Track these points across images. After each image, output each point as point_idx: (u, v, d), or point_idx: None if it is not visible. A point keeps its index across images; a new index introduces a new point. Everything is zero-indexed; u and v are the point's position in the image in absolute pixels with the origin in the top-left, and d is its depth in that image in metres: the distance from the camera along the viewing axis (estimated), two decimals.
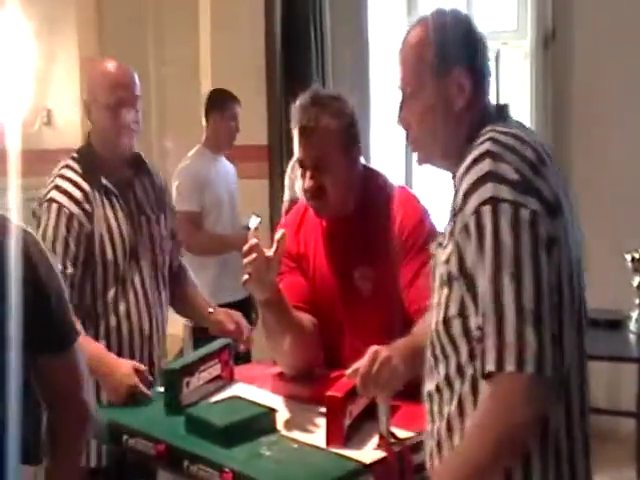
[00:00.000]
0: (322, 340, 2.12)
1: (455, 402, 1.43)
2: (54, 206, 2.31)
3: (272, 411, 1.88)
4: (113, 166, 2.40)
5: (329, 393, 1.75)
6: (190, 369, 2.06)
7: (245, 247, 1.87)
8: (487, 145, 1.41)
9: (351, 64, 4.59)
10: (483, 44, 1.55)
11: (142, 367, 2.16)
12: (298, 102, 2.09)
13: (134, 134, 2.39)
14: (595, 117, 4.09)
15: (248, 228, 4.12)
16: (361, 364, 1.72)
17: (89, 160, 2.39)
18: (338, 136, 2.06)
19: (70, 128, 5.13)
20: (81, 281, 2.30)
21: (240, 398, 1.99)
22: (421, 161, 1.62)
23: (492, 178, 1.36)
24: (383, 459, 1.68)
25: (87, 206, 2.33)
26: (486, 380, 1.33)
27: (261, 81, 4.58)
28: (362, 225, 2.12)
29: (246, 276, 1.87)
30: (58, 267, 1.77)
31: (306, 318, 2.10)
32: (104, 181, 2.37)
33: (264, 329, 2.04)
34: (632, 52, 3.98)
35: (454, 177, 1.49)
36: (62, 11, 5.11)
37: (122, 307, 2.35)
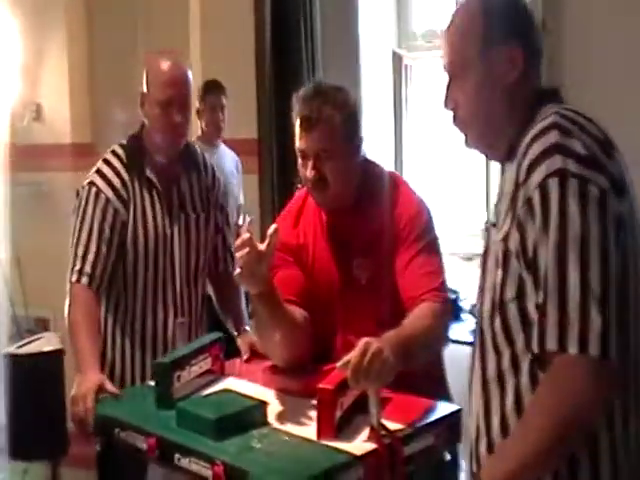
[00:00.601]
0: (315, 333, 2.13)
1: (511, 397, 1.37)
2: (93, 190, 2.37)
3: (263, 404, 1.88)
4: (159, 158, 2.43)
5: (320, 385, 1.75)
6: (181, 363, 2.05)
7: (238, 241, 1.87)
8: (554, 118, 1.35)
9: (341, 60, 4.58)
10: (533, 19, 1.51)
11: (107, 385, 2.13)
12: (301, 93, 2.10)
13: (182, 133, 2.41)
14: (587, 108, 4.07)
15: (239, 226, 4.14)
16: (352, 356, 1.73)
17: (135, 150, 2.43)
18: (341, 127, 2.07)
19: (59, 123, 5.13)
20: (115, 265, 2.36)
21: (231, 391, 1.99)
22: (470, 143, 1.56)
23: (560, 150, 1.30)
24: (374, 451, 1.69)
25: (124, 194, 2.38)
26: (546, 359, 1.27)
27: (251, 75, 4.57)
28: (361, 215, 2.13)
29: (238, 270, 1.88)
30: None
31: (298, 312, 2.11)
32: (148, 173, 2.40)
33: (256, 322, 2.05)
34: (623, 43, 3.98)
35: (503, 164, 1.45)
36: (52, 6, 5.09)
37: (149, 300, 2.40)
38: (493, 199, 4.95)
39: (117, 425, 1.94)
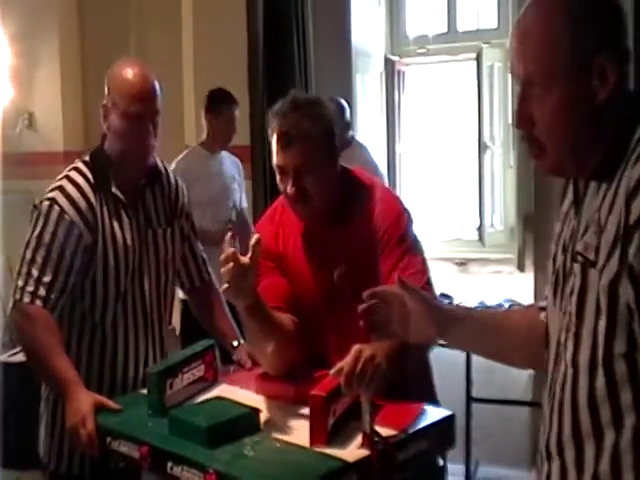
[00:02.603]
0: (305, 339, 2.12)
1: (607, 456, 1.22)
2: (55, 209, 2.22)
3: (256, 411, 1.88)
4: (124, 174, 2.32)
5: (313, 392, 1.74)
6: (173, 370, 2.05)
7: (222, 257, 1.87)
8: None
9: (334, 66, 4.59)
10: (624, 18, 1.27)
11: (107, 402, 2.06)
12: (276, 108, 2.08)
13: (152, 148, 2.30)
14: None
15: (231, 221, 4.15)
16: (345, 362, 1.72)
17: (101, 166, 2.31)
18: (319, 141, 2.04)
19: (52, 131, 5.12)
20: (80, 290, 2.26)
21: (223, 399, 1.99)
22: (547, 169, 1.33)
23: None
24: (366, 458, 1.68)
25: (90, 217, 2.24)
26: None
27: (243, 81, 4.58)
28: (341, 224, 2.12)
29: (225, 285, 1.87)
30: None
31: (287, 318, 2.10)
32: (114, 190, 2.29)
33: (246, 333, 2.04)
34: None
35: (588, 182, 1.28)
36: (44, 14, 5.09)
37: (120, 320, 2.30)
38: (486, 205, 4.97)
39: (109, 434, 1.93)
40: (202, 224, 3.98)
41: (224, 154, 4.30)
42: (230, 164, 4.33)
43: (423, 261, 2.11)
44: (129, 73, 2.27)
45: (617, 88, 1.24)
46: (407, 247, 2.07)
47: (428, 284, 2.06)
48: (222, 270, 1.86)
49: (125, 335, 2.32)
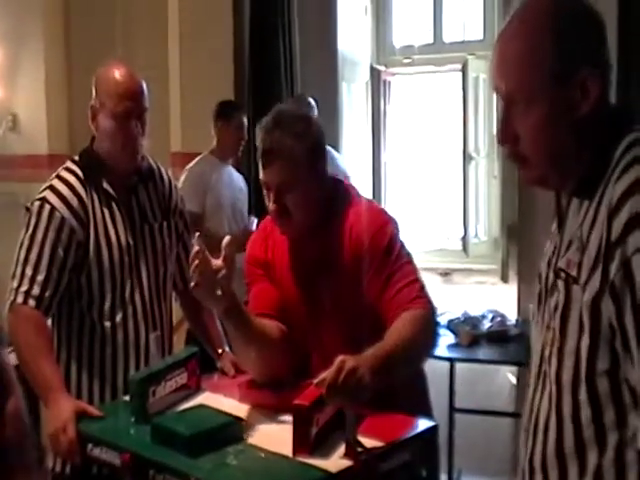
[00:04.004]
0: (291, 347, 2.12)
1: (590, 476, 1.21)
2: (46, 208, 2.25)
3: (239, 420, 1.87)
4: (115, 172, 2.34)
5: (295, 402, 1.74)
6: (156, 377, 2.04)
7: (190, 256, 1.87)
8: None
9: (320, 75, 4.60)
10: (605, 31, 1.26)
11: (88, 409, 2.04)
12: (262, 123, 2.06)
13: (140, 145, 2.32)
14: None
15: (247, 229, 4.21)
16: (328, 373, 1.72)
17: (91, 164, 2.34)
18: (302, 159, 2.01)
19: (36, 133, 5.10)
20: (77, 288, 2.27)
21: (206, 407, 1.98)
22: (532, 181, 1.35)
23: None
24: (349, 468, 1.67)
25: (81, 213, 2.27)
26: None
27: (229, 90, 4.57)
28: (326, 236, 2.10)
29: (192, 283, 1.87)
30: None
31: (274, 326, 2.10)
32: (105, 185, 2.32)
33: (230, 338, 2.03)
34: None
35: (571, 198, 1.29)
36: (29, 15, 5.06)
37: (119, 316, 2.30)
38: (471, 214, 5.00)
39: (90, 440, 1.92)
40: (218, 231, 4.01)
41: (230, 167, 4.34)
42: (237, 177, 4.39)
43: (412, 269, 2.08)
44: (116, 73, 2.31)
45: (599, 102, 1.25)
46: (394, 259, 2.05)
47: (421, 292, 2.04)
48: (191, 269, 1.86)
49: (125, 330, 2.32)
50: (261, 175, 2.06)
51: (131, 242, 2.34)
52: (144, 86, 2.34)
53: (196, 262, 1.84)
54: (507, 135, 1.30)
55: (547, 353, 1.29)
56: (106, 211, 2.32)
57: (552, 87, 1.24)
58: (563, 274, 1.26)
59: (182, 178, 4.06)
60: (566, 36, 1.23)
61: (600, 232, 1.18)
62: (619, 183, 1.18)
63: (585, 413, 1.21)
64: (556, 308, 1.27)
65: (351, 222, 2.08)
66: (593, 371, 1.19)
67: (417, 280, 2.05)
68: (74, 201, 2.28)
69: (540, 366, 1.33)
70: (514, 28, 1.28)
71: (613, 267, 1.14)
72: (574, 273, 1.23)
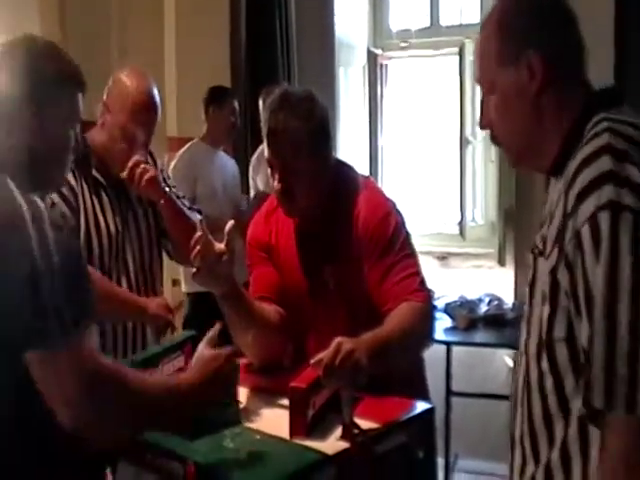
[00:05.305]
0: (290, 332, 2.12)
1: (557, 447, 1.26)
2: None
3: (236, 403, 1.87)
4: (106, 162, 2.39)
5: (292, 384, 1.74)
6: (153, 361, 2.03)
7: (192, 240, 1.86)
8: (606, 138, 1.22)
9: (317, 59, 4.58)
10: (564, 20, 1.37)
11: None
12: (268, 101, 2.06)
13: (139, 151, 2.37)
14: None
15: (240, 210, 4.22)
16: (325, 354, 1.72)
17: (82, 152, 2.34)
18: (307, 139, 2.01)
19: None
20: None
21: None
22: (513, 163, 1.46)
23: (612, 179, 1.16)
24: (346, 450, 1.68)
25: (72, 199, 2.30)
26: (591, 420, 1.17)
27: (226, 74, 4.56)
28: (331, 221, 2.11)
29: (194, 269, 1.87)
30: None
31: (272, 309, 2.10)
32: (94, 173, 2.35)
33: (227, 321, 2.03)
34: (595, 44, 4.00)
35: (549, 177, 1.35)
36: (24, 11, 5.01)
37: None
38: (468, 198, 4.99)
39: None
40: (210, 214, 4.02)
41: (221, 153, 4.33)
42: (231, 165, 4.38)
43: (414, 261, 2.08)
44: (134, 86, 2.34)
45: (553, 83, 1.34)
46: (397, 250, 2.04)
47: (421, 285, 2.04)
48: (192, 254, 1.86)
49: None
50: (266, 154, 2.06)
51: (120, 229, 2.37)
52: (157, 99, 2.37)
53: (198, 247, 1.84)
54: (484, 121, 1.43)
55: (523, 327, 1.37)
56: (96, 200, 2.35)
57: (502, 70, 1.37)
58: (536, 250, 1.33)
59: (172, 164, 4.06)
60: (510, 26, 1.37)
61: (561, 205, 1.24)
62: (576, 159, 1.25)
63: (548, 382, 1.26)
64: (529, 282, 1.35)
65: (359, 208, 2.08)
66: (552, 338, 1.25)
67: (418, 273, 2.06)
68: (65, 188, 2.28)
69: (522, 342, 1.39)
70: (481, 30, 1.43)
71: (567, 237, 1.20)
72: (541, 246, 1.30)
